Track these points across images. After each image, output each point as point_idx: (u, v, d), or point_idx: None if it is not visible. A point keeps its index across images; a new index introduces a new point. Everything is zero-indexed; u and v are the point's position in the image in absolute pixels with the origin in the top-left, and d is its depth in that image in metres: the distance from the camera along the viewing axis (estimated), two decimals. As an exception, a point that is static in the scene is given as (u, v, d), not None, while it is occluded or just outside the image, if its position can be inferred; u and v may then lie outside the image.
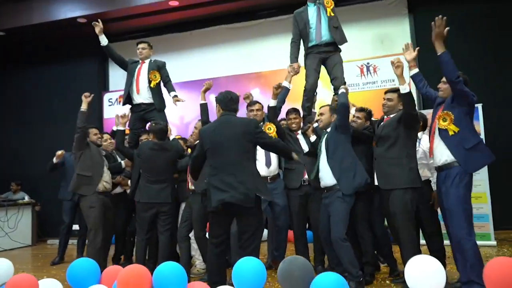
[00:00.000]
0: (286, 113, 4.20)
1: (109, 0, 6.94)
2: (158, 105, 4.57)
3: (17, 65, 8.51)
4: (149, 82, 4.57)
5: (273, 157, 4.01)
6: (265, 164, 3.93)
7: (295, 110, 4.19)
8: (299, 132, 4.14)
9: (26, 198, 7.26)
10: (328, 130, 3.60)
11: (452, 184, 2.98)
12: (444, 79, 3.10)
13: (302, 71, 4.31)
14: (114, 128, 4.84)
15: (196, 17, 7.29)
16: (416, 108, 3.57)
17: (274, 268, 4.05)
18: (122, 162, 4.61)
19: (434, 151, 3.16)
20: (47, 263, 5.38)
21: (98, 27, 4.55)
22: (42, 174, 7.02)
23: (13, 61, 8.53)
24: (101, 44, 4.66)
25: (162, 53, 6.57)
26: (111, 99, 7.67)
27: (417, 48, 3.29)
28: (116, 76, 7.89)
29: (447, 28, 2.96)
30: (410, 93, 3.21)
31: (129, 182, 4.59)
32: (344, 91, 3.50)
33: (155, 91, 4.60)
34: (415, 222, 3.36)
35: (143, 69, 4.65)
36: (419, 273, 1.97)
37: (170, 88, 4.64)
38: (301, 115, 4.23)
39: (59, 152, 5.48)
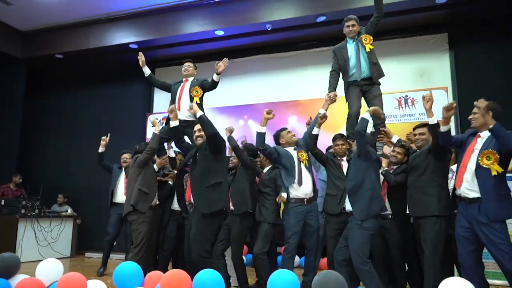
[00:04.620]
0: (333, 139, 4.26)
1: (159, 28, 7.41)
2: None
3: (71, 85, 9.13)
4: (191, 98, 4.55)
5: (306, 178, 4.03)
6: (297, 182, 3.96)
7: (342, 136, 4.20)
8: (344, 158, 4.14)
9: (69, 211, 7.61)
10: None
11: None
12: (476, 105, 2.99)
13: (338, 101, 4.39)
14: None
15: (239, 46, 7.61)
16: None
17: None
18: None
19: (463, 183, 3.07)
20: (85, 273, 5.52)
21: (141, 59, 4.81)
22: (85, 188, 7.34)
23: (67, 80, 9.16)
24: (145, 75, 4.91)
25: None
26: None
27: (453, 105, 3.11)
28: (160, 99, 8.31)
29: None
30: (438, 124, 3.22)
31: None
32: (366, 117, 3.49)
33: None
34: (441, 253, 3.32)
35: (186, 87, 4.69)
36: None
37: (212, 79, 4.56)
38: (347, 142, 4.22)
39: (104, 140, 5.49)
